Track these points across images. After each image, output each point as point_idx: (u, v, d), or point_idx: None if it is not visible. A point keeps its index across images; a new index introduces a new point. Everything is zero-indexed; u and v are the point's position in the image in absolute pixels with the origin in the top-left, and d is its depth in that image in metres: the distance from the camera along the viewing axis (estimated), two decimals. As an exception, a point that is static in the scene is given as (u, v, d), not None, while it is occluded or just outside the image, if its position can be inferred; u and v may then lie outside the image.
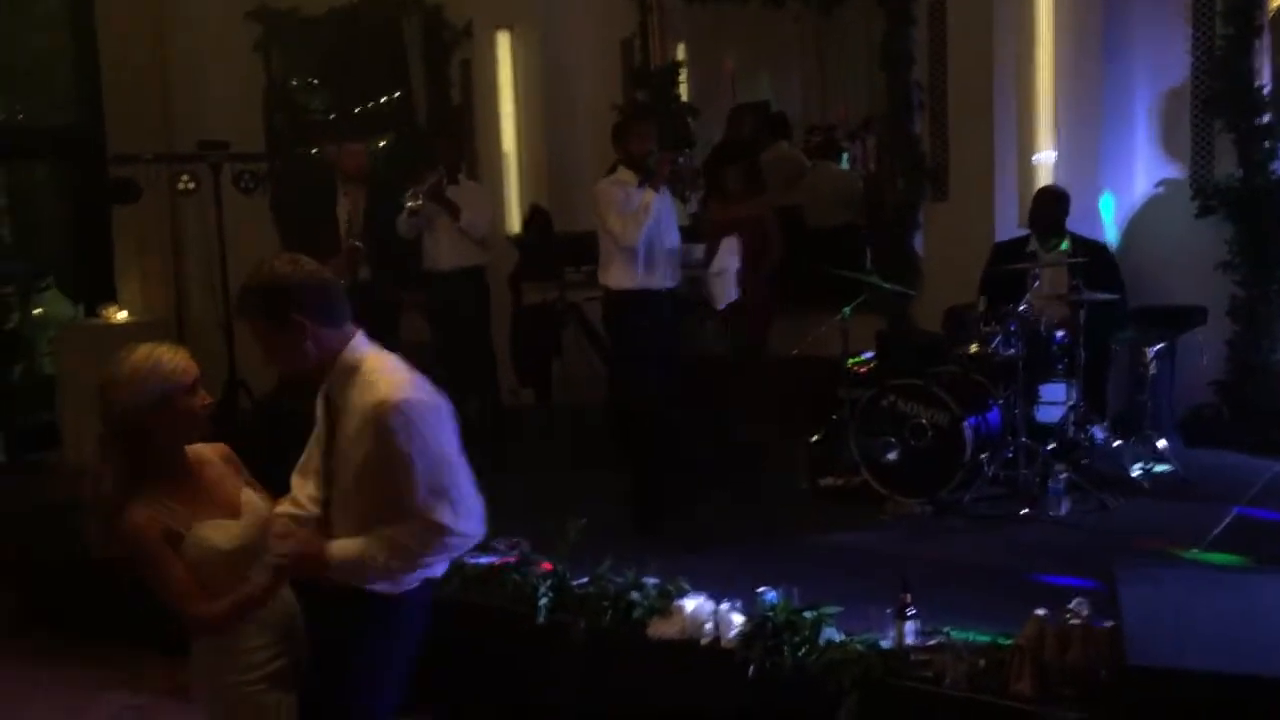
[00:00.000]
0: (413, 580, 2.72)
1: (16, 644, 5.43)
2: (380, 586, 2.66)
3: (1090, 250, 5.89)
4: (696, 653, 3.99)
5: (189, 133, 8.59)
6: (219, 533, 2.69)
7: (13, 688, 4.98)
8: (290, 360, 2.66)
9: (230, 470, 2.86)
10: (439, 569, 2.81)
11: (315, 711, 2.70)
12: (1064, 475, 5.24)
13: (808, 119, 11.00)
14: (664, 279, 5.77)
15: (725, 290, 5.85)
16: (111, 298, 9.50)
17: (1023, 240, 6.14)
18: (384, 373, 2.64)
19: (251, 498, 2.81)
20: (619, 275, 5.73)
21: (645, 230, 5.61)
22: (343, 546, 2.62)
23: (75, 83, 9.94)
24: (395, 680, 2.78)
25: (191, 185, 7.33)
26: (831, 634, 3.80)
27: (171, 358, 2.69)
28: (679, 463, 5.51)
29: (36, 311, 10.36)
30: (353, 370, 2.65)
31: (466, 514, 2.66)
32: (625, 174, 5.74)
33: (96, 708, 4.74)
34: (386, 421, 2.55)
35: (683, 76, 8.63)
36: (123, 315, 9.36)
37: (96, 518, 2.65)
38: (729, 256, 5.85)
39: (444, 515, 2.61)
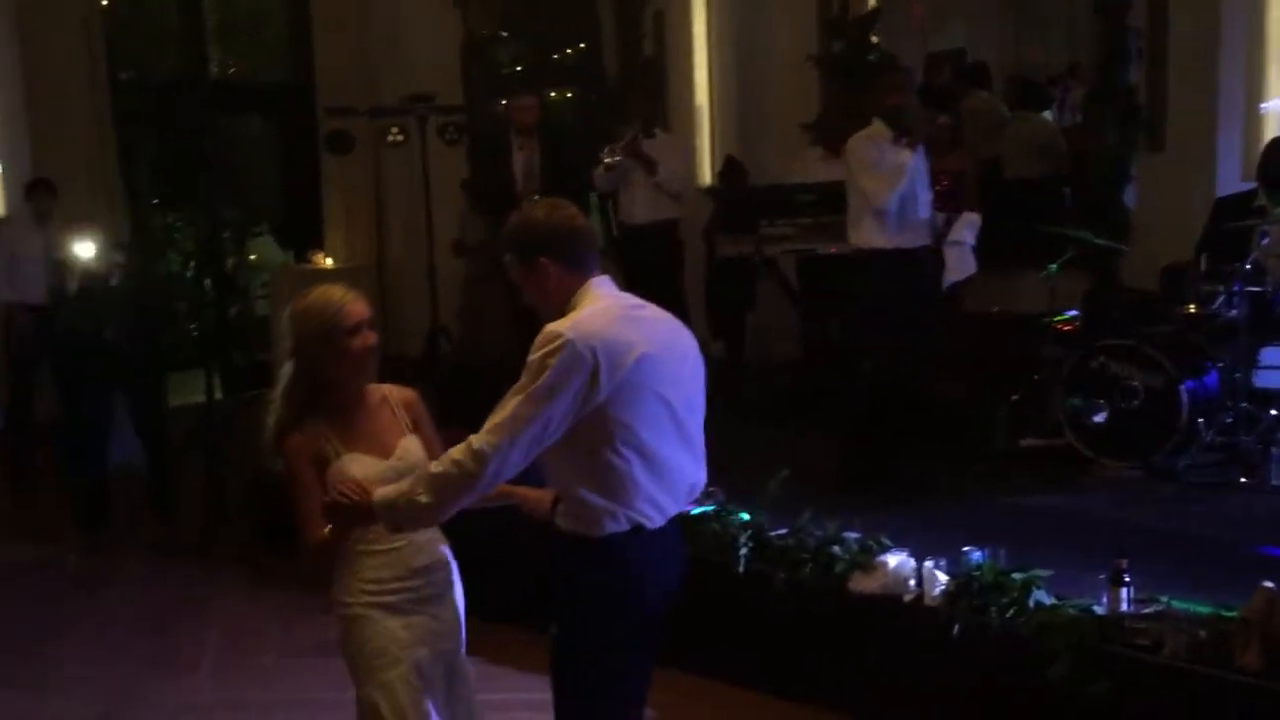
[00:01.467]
0: (613, 524, 2.62)
1: (252, 571, 5.80)
2: (609, 527, 2.62)
3: (1325, 206, 5.53)
4: (899, 609, 3.98)
5: (392, 86, 8.89)
6: (358, 466, 2.80)
7: (249, 610, 5.36)
8: (536, 299, 2.76)
9: (406, 416, 2.97)
10: (665, 512, 2.70)
11: (557, 655, 2.75)
12: (1289, 444, 4.99)
13: (1002, 67, 10.63)
14: (917, 238, 5.39)
15: (959, 264, 5.53)
16: (319, 245, 9.98)
17: (1249, 195, 5.80)
18: (578, 311, 2.65)
19: (410, 445, 2.92)
20: (869, 234, 5.39)
21: (898, 191, 5.27)
22: (383, 491, 2.61)
23: (288, 38, 10.41)
24: (633, 628, 2.74)
25: (400, 137, 7.59)
26: (1041, 597, 3.73)
27: (338, 298, 2.84)
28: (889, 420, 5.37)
29: (251, 257, 10.99)
30: (573, 311, 2.69)
31: (506, 462, 2.51)
32: (879, 128, 5.42)
33: (320, 630, 5.01)
34: (535, 344, 2.57)
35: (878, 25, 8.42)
36: (329, 261, 9.83)
37: (272, 439, 2.86)
38: (967, 230, 5.52)
39: (497, 437, 2.49)
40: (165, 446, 6.64)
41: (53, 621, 5.34)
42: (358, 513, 2.66)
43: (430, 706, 2.92)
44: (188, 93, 9.60)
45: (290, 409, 2.85)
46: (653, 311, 2.78)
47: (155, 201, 9.74)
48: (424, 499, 2.56)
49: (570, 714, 2.77)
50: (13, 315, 7.18)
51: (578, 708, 2.76)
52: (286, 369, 2.88)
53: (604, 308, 2.68)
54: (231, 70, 11.14)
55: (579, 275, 2.71)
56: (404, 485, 2.60)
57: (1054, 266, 5.86)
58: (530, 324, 2.77)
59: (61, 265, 6.40)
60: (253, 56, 11.20)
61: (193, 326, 10.25)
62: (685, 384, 2.76)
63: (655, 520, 2.69)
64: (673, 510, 2.75)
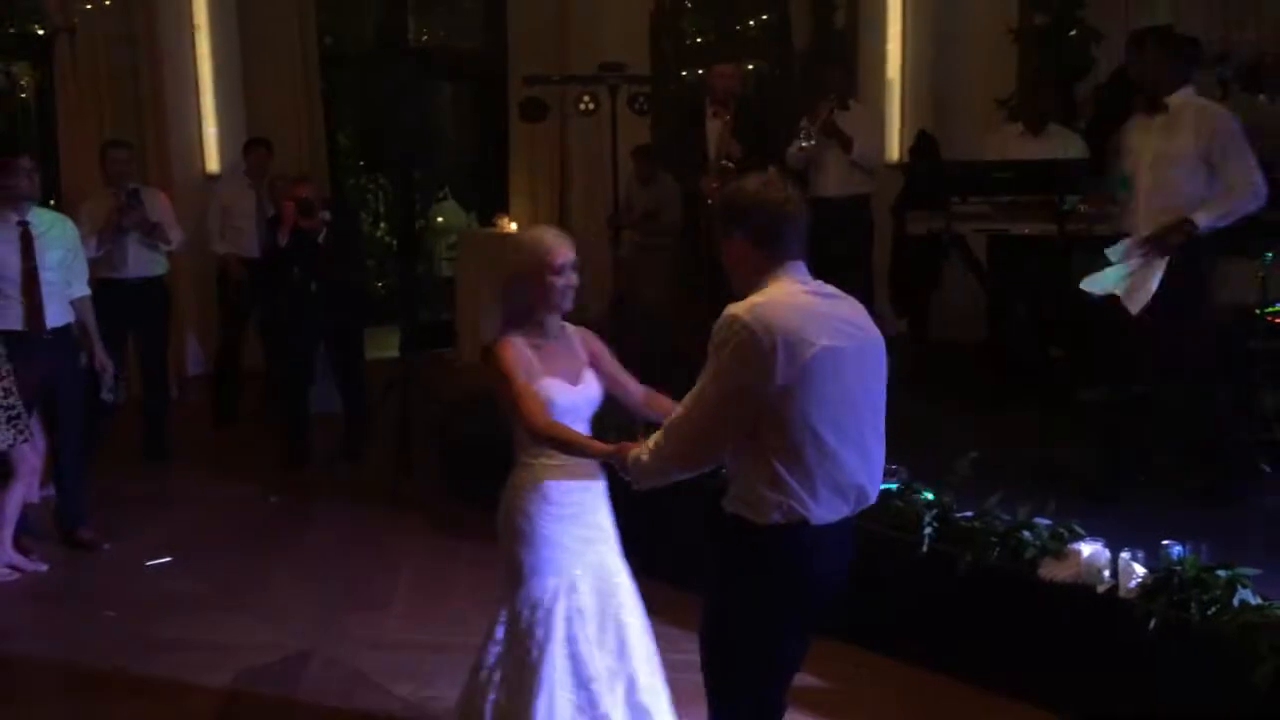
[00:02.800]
0: (780, 516, 2.62)
1: (440, 519, 6.05)
2: (774, 518, 2.63)
3: None
4: (1091, 599, 3.88)
5: (581, 55, 9.02)
6: (556, 389, 3.16)
7: (438, 555, 5.59)
8: (731, 272, 2.77)
9: (590, 352, 3.33)
10: (832, 512, 2.68)
11: (707, 627, 2.84)
12: None
13: (1210, 44, 10.09)
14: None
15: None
16: (504, 209, 10.23)
17: None
18: (760, 296, 2.64)
19: (590, 377, 3.27)
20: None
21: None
22: (634, 449, 2.81)
23: (482, 8, 10.67)
24: (785, 615, 2.75)
25: (591, 106, 7.70)
26: (1247, 596, 3.58)
27: (551, 239, 3.21)
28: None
29: (438, 220, 11.36)
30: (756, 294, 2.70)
31: (690, 446, 2.66)
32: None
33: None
34: (715, 330, 2.62)
35: (1083, -2, 8.12)
36: (513, 226, 10.07)
37: (482, 348, 3.22)
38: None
39: (678, 420, 2.67)
40: (364, 396, 6.95)
41: (256, 555, 5.67)
42: (617, 460, 2.88)
43: (577, 619, 3.20)
44: (387, 59, 9.96)
45: (499, 328, 3.22)
46: (844, 305, 2.73)
47: (361, 163, 10.12)
48: (647, 463, 2.75)
49: (717, 682, 2.83)
50: (228, 267, 7.61)
51: (725, 678, 2.81)
52: (495, 294, 3.28)
53: (787, 294, 2.65)
54: (425, 37, 11.49)
55: (771, 257, 2.69)
56: (639, 449, 2.79)
57: (1269, 255, 5.56)
58: (689, 299, 2.82)
59: (274, 221, 6.75)
60: (449, 24, 11.52)
61: (380, 285, 10.68)
62: (868, 380, 2.72)
63: (820, 516, 2.65)
64: (843, 510, 2.71)
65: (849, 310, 2.73)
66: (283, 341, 6.92)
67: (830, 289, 2.76)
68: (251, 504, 6.39)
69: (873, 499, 2.79)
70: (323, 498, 6.50)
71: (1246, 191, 4.78)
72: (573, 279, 3.20)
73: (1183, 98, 4.88)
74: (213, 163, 8.71)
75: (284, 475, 6.78)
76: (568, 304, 3.23)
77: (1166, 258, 4.79)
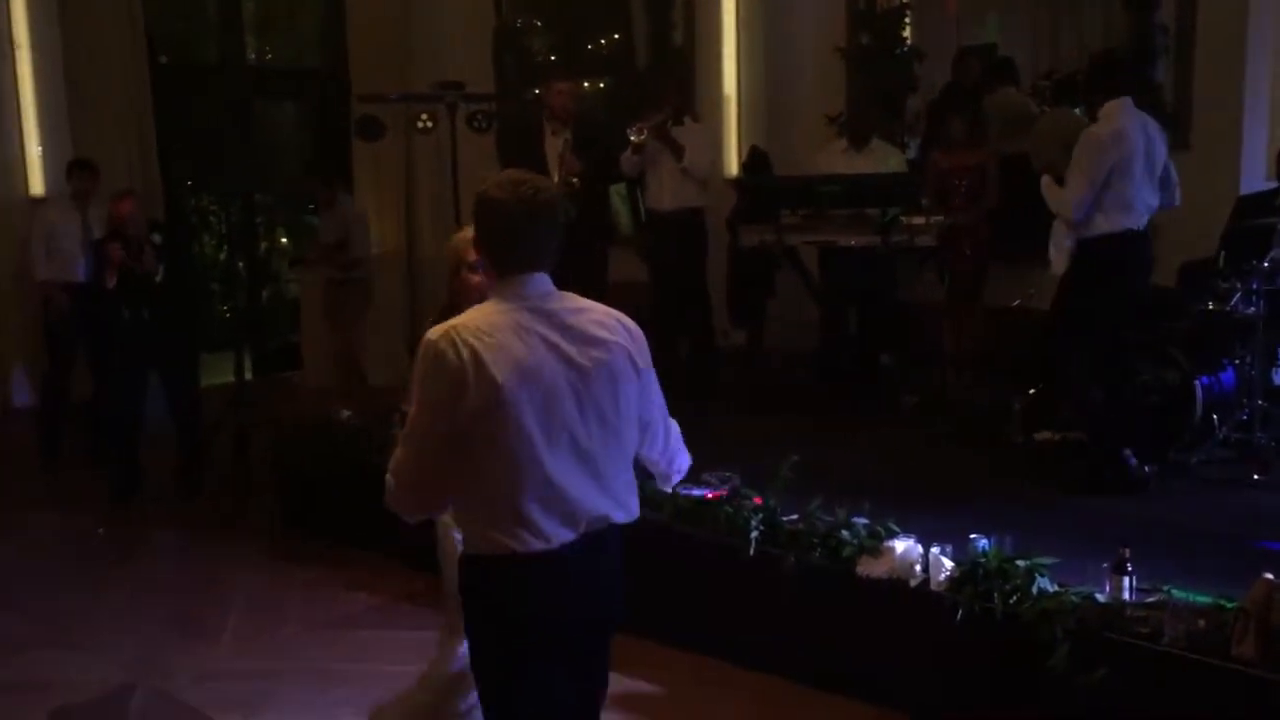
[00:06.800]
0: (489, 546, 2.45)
1: (276, 547, 5.95)
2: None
3: (1346, 205, 5.52)
4: (905, 593, 4.03)
5: (424, 74, 8.98)
6: None
7: (272, 584, 5.48)
8: None
9: None
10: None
11: None
12: (1303, 441, 5.00)
13: (1037, 62, 10.59)
14: None
15: None
16: (350, 229, 10.08)
17: (1272, 193, 5.80)
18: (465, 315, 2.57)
19: None
20: None
21: None
22: None
23: (322, 26, 10.54)
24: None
25: (430, 124, 7.67)
26: (1044, 584, 3.77)
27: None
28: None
29: (283, 240, 11.16)
30: None
31: (402, 500, 2.47)
32: None
33: (341, 605, 5.17)
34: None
35: (907, 18, 8.45)
36: (359, 246, 9.93)
37: None
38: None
39: (390, 477, 2.48)
40: (198, 425, 6.77)
41: (84, 588, 5.47)
42: None
43: None
44: (226, 77, 9.75)
45: None
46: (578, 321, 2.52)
47: (189, 183, 9.88)
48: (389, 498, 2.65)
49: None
50: (51, 294, 7.33)
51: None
52: None
53: (495, 312, 2.52)
54: (268, 56, 11.29)
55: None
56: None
57: (1073, 261, 5.86)
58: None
59: (100, 245, 6.54)
60: (289, 43, 11.35)
61: (225, 309, 10.44)
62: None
63: (534, 545, 2.42)
64: (567, 535, 2.45)
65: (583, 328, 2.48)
66: (114, 371, 6.69)
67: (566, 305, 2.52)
68: (80, 537, 6.16)
69: (620, 519, 2.55)
70: (155, 528, 6.33)
71: None
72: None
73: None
74: (37, 185, 8.38)
75: (114, 507, 6.56)
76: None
77: None
